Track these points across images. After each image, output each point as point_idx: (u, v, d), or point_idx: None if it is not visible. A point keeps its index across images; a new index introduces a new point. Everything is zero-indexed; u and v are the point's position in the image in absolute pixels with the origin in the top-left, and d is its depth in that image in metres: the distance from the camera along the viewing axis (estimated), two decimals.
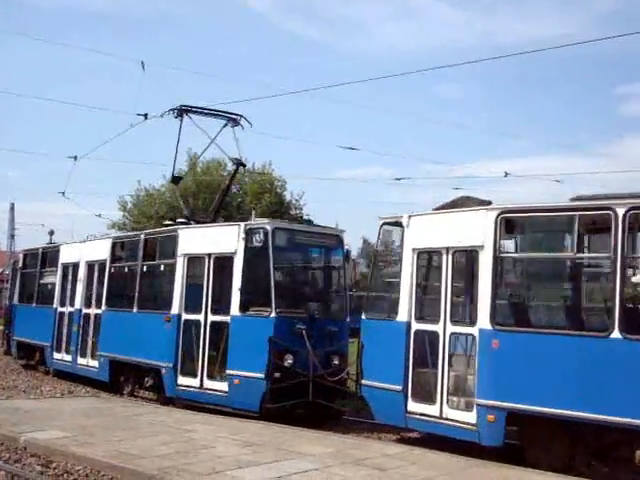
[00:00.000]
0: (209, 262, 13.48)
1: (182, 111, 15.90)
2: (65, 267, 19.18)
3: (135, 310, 15.34)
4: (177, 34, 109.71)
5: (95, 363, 16.75)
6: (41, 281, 20.69)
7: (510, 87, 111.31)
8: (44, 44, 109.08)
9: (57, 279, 19.40)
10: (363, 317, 11.52)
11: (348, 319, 13.58)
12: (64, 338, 18.52)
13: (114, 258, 16.83)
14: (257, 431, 11.10)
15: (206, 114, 16.30)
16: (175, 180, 18.20)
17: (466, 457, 9.60)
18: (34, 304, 20.70)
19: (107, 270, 16.77)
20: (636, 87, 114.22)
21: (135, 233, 17.79)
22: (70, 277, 18.73)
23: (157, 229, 17.02)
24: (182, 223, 15.44)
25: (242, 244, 12.84)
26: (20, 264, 22.81)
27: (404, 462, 9.17)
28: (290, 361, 12.27)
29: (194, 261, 14.05)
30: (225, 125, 16.11)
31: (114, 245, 17.00)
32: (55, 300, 19.20)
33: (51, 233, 27.79)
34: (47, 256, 20.90)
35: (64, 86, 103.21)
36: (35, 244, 23.61)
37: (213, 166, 42.84)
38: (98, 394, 15.99)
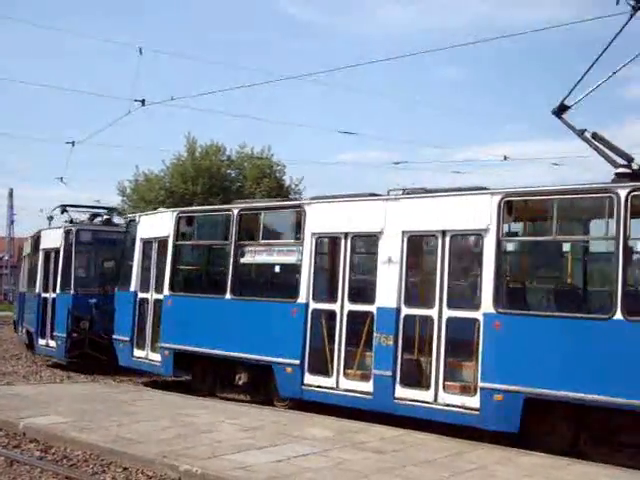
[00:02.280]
0: None
1: None
2: (322, 239, 12.13)
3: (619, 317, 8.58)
4: (175, 18, 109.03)
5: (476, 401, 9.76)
6: (243, 259, 13.04)
7: (508, 70, 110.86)
8: (39, 29, 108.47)
9: (304, 257, 11.85)
10: None
11: None
12: (340, 355, 11.32)
13: (510, 227, 10.25)
14: (256, 415, 11.12)
15: None
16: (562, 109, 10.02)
17: (461, 439, 9.64)
18: (229, 296, 12.73)
19: (494, 246, 9.82)
20: (638, 70, 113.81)
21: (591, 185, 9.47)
22: (345, 255, 11.49)
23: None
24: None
25: None
26: (167, 233, 14.26)
27: (402, 445, 9.21)
28: None
29: None
30: None
31: (508, 205, 9.92)
32: (302, 292, 11.72)
33: (50, 219, 27.77)
34: (256, 220, 12.92)
35: (61, 71, 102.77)
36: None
37: (212, 151, 42.78)
38: (97, 380, 16.00)
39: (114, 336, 15.70)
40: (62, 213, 20.66)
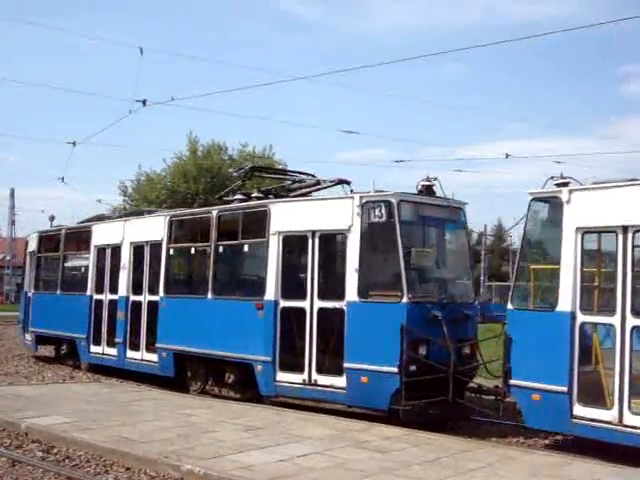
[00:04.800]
0: None
1: None
2: None
3: None
4: (174, 18, 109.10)
5: None
6: None
7: (511, 67, 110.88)
8: (40, 28, 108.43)
9: None
10: None
11: None
12: None
13: None
14: (257, 415, 11.09)
15: None
16: None
17: (465, 439, 9.61)
18: None
19: None
20: (639, 67, 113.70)
21: None
22: None
23: None
24: None
25: None
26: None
27: (406, 444, 9.17)
28: None
29: None
30: None
31: None
32: None
33: (52, 219, 27.79)
34: None
35: (62, 71, 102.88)
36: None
37: (214, 150, 42.80)
38: (99, 380, 15.98)
39: (515, 382, 9.84)
40: (248, 179, 16.02)
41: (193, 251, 14.74)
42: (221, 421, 10.51)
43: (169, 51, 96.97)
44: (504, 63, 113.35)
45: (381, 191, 11.25)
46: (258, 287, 12.56)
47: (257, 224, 12.79)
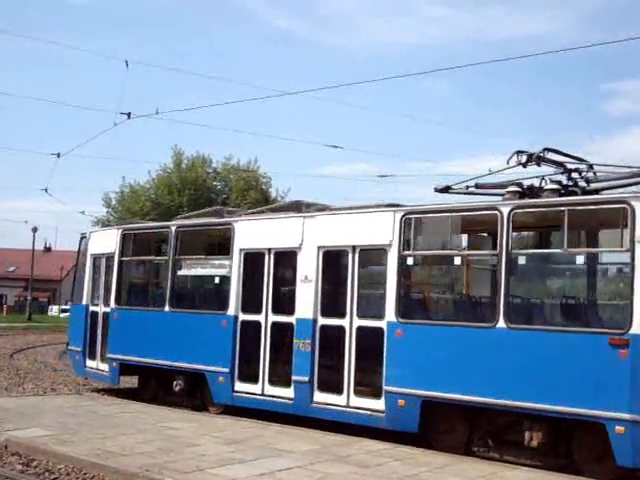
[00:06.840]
0: None
1: None
2: None
3: None
4: (162, 31, 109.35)
5: None
6: None
7: (495, 84, 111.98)
8: (25, 40, 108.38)
9: None
10: None
11: None
12: None
13: None
14: (239, 429, 11.07)
15: None
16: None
17: (448, 454, 9.63)
18: None
19: None
20: (621, 85, 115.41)
21: None
22: None
23: None
24: None
25: None
26: None
27: (388, 459, 9.18)
28: None
29: None
30: None
31: None
32: None
33: (34, 230, 27.64)
34: None
35: (47, 83, 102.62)
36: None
37: (198, 163, 42.86)
38: (81, 392, 15.85)
39: None
40: (537, 164, 10.43)
41: (458, 261, 10.60)
42: (203, 434, 10.47)
43: (155, 64, 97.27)
44: (490, 79, 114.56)
45: None
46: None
47: (601, 226, 9.73)
